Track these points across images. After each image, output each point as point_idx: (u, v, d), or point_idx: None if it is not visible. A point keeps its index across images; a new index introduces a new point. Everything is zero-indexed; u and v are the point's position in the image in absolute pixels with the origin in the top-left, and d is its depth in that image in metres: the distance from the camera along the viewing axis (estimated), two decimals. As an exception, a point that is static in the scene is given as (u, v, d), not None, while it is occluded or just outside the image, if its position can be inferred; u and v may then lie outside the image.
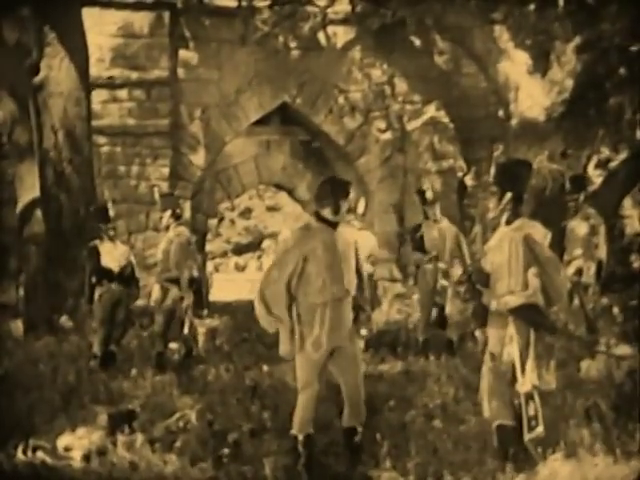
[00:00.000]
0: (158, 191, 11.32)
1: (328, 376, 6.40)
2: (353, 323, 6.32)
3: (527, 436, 5.78)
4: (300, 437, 6.18)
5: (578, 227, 11.08)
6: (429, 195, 11.06)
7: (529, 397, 5.80)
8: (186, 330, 10.46)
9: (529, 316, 5.88)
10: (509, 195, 6.14)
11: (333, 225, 6.26)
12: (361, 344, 6.45)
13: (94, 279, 10.38)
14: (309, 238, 6.23)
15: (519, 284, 5.89)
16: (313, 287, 6.15)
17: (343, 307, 6.22)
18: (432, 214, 11.06)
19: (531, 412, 5.78)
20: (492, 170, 6.39)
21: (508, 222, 6.17)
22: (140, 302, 11.46)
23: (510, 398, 5.91)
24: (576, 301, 10.88)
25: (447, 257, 10.90)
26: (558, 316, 5.96)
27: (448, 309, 10.90)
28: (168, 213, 10.55)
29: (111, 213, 10.55)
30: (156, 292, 10.59)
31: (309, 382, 6.21)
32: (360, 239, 7.21)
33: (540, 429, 5.73)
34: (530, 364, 5.84)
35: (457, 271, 10.68)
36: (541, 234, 6.14)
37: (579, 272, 10.93)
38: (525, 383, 5.82)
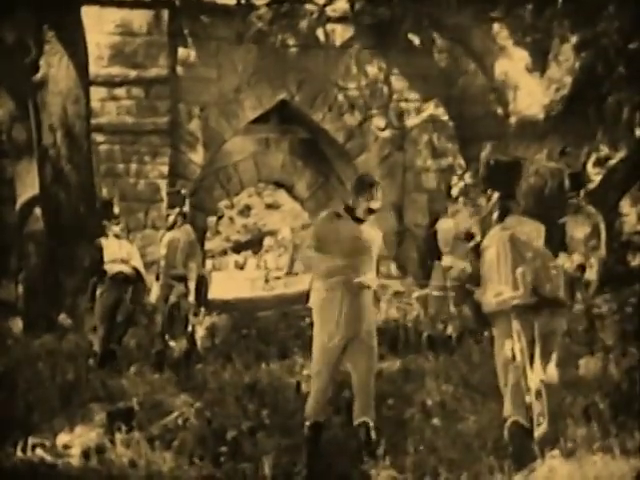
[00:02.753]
0: (165, 188, 11.29)
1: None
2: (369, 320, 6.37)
3: (536, 433, 5.79)
4: (307, 423, 6.23)
5: (579, 225, 11.09)
6: (454, 192, 11.07)
7: (538, 394, 5.81)
8: (190, 328, 10.47)
9: (522, 314, 5.88)
10: (496, 195, 6.17)
11: (358, 220, 6.38)
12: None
13: (95, 277, 10.37)
14: (330, 223, 6.36)
15: (509, 284, 5.89)
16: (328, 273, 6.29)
17: (361, 299, 6.27)
18: (454, 210, 11.05)
19: (538, 409, 5.79)
20: (481, 170, 6.43)
21: (498, 220, 6.19)
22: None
23: (523, 395, 5.92)
24: (578, 297, 10.90)
25: (460, 255, 10.83)
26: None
27: (449, 307, 10.91)
28: (176, 211, 10.54)
29: (116, 210, 10.55)
30: (156, 290, 10.58)
31: (320, 371, 6.29)
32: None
33: (544, 426, 5.74)
34: (537, 360, 5.85)
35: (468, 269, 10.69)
36: (533, 230, 6.15)
37: (581, 269, 10.94)
38: (534, 379, 5.82)
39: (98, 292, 10.35)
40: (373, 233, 6.46)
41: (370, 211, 6.40)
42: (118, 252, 10.41)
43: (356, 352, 6.27)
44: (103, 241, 10.43)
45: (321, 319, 6.31)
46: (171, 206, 10.66)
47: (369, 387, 6.28)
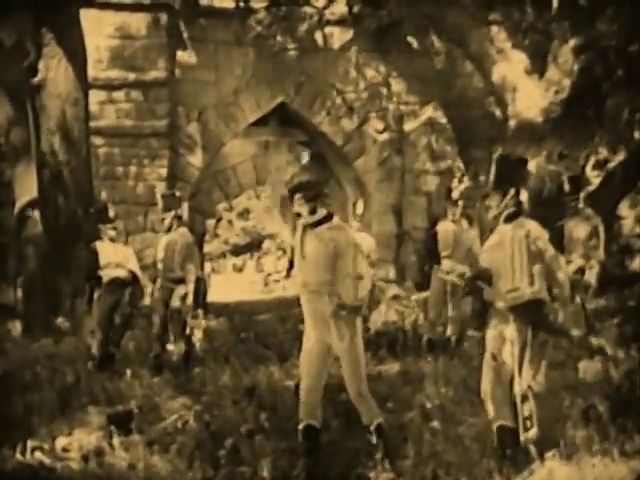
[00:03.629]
0: (160, 191, 11.23)
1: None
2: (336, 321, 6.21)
3: (522, 436, 5.79)
4: (300, 427, 6.24)
5: (578, 227, 11.12)
6: (455, 195, 11.03)
7: (524, 398, 5.81)
8: (188, 330, 10.45)
9: (530, 314, 5.89)
10: (512, 191, 6.15)
11: (312, 225, 6.37)
12: (358, 343, 6.38)
13: (92, 280, 10.35)
14: (297, 235, 6.46)
15: (524, 280, 5.90)
16: (298, 279, 6.41)
17: (324, 303, 6.22)
18: (451, 214, 11.01)
19: (526, 413, 5.79)
20: (492, 169, 6.39)
21: (508, 220, 6.17)
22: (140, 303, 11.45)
23: (510, 399, 5.92)
24: (577, 300, 10.92)
25: (460, 258, 10.81)
26: (557, 315, 5.95)
27: (449, 310, 10.89)
28: (172, 214, 10.49)
29: (111, 213, 10.52)
30: (154, 293, 10.56)
31: (303, 372, 6.35)
32: (358, 240, 7.16)
33: (534, 431, 5.74)
34: (526, 365, 5.85)
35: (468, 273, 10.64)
36: (538, 233, 6.15)
37: (580, 271, 10.96)
38: (521, 384, 5.83)
39: (95, 296, 10.34)
40: (342, 239, 6.32)
41: (298, 215, 6.43)
42: (114, 256, 10.39)
43: (340, 359, 6.29)
44: (98, 245, 10.41)
45: (305, 323, 6.42)
46: (166, 209, 10.60)
47: (357, 392, 6.23)
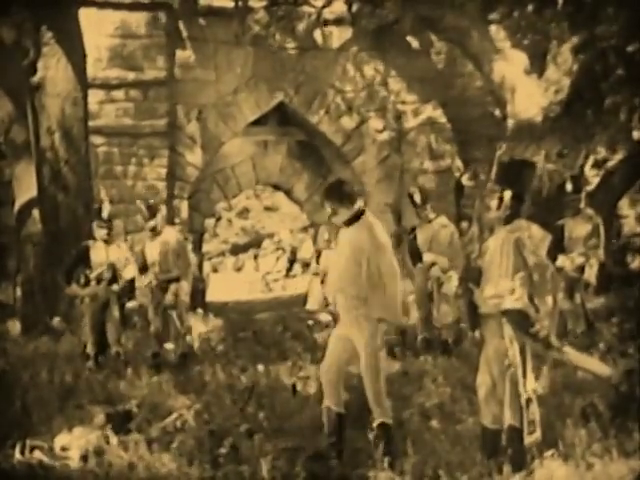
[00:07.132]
0: (143, 203, 11.21)
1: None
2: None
3: (526, 439, 5.77)
4: (323, 405, 6.46)
5: (578, 227, 11.11)
6: (417, 198, 11.18)
7: (529, 401, 5.78)
8: (186, 330, 10.47)
9: (517, 320, 5.86)
10: (509, 194, 6.12)
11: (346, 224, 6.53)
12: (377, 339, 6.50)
13: (82, 280, 10.33)
14: (335, 240, 6.68)
15: (507, 288, 5.85)
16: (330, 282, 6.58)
17: (356, 302, 6.38)
18: (424, 215, 11.12)
19: (531, 416, 5.77)
20: (494, 169, 6.37)
21: (506, 222, 6.14)
22: (135, 303, 11.45)
23: (518, 399, 5.89)
24: (577, 300, 10.92)
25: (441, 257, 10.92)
26: (542, 326, 5.90)
27: (442, 309, 10.90)
28: (158, 218, 10.50)
29: (104, 214, 10.44)
30: (151, 293, 10.56)
31: (327, 353, 6.57)
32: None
33: (537, 435, 5.72)
34: (529, 367, 5.82)
35: (451, 272, 10.77)
36: (539, 237, 6.11)
37: (580, 270, 10.96)
38: (526, 386, 5.80)
39: (86, 297, 10.34)
40: (365, 237, 6.49)
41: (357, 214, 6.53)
42: (104, 256, 10.35)
43: (361, 357, 6.39)
44: (91, 245, 10.38)
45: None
46: (150, 217, 10.60)
47: (373, 388, 6.35)
